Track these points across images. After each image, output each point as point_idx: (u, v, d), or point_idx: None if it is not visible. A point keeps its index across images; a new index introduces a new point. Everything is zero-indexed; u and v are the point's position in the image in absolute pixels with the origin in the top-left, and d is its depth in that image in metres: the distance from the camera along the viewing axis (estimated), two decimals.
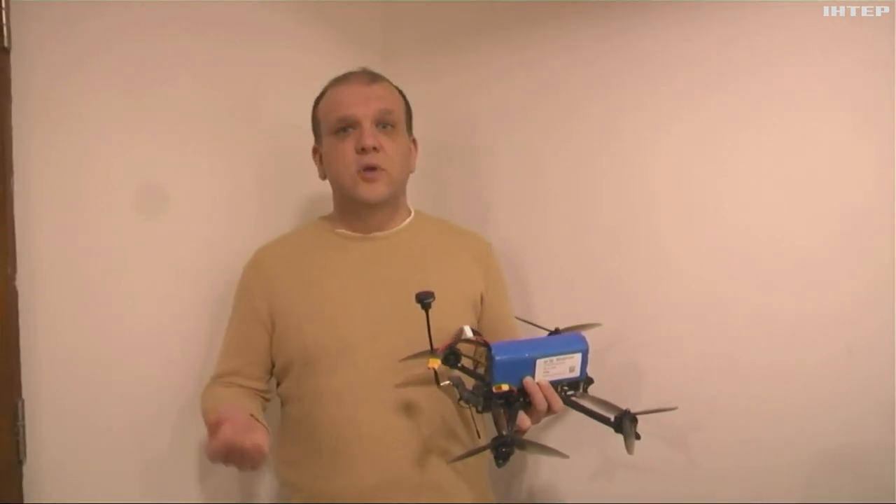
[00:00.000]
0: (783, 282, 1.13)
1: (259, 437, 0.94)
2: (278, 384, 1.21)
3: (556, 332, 1.09)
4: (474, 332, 0.99)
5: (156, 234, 1.25)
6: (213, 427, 0.93)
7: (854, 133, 1.06)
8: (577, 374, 0.95)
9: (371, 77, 1.18)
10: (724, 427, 1.18)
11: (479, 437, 1.15)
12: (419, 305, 0.95)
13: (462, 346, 1.00)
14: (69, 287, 1.14)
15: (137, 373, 1.22)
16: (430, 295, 0.94)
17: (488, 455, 0.91)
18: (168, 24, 1.25)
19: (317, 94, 1.21)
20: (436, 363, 0.96)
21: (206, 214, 1.32)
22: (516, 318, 1.24)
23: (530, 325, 1.19)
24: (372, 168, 1.12)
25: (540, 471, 0.89)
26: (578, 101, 1.34)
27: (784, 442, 1.13)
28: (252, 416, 1.02)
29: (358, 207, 1.17)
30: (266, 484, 1.42)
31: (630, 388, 1.25)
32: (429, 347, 1.00)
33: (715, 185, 1.19)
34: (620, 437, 0.94)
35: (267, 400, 1.20)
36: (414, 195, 1.26)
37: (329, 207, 1.25)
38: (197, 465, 1.31)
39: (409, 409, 1.11)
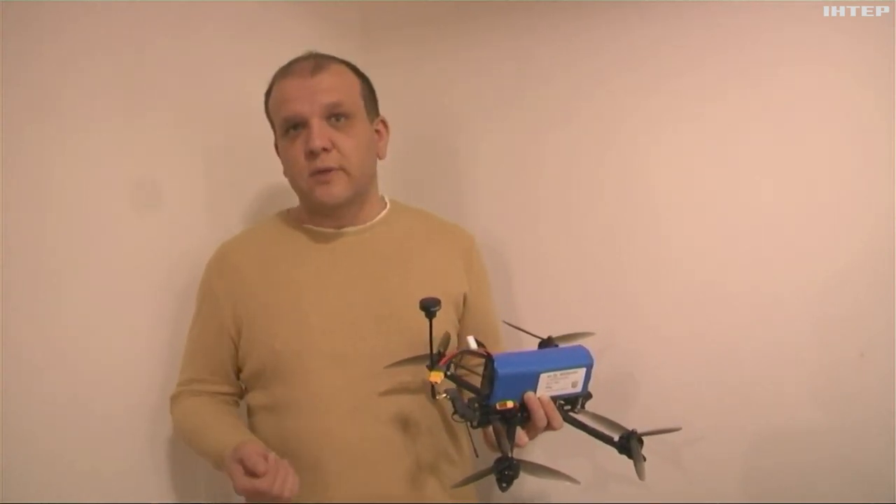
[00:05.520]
0: (788, 284, 1.12)
1: (292, 481, 0.92)
2: (246, 391, 1.12)
3: (549, 340, 1.01)
4: (478, 343, 0.92)
5: (120, 232, 1.14)
6: (235, 462, 0.92)
7: (854, 132, 1.06)
8: (578, 389, 0.90)
9: (314, 64, 1.05)
10: (725, 442, 1.16)
11: (474, 449, 1.05)
12: (423, 313, 0.87)
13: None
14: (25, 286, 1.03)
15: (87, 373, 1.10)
16: (436, 303, 0.87)
17: (473, 461, 0.85)
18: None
19: None
20: (438, 377, 0.88)
21: (169, 210, 1.22)
22: (505, 322, 1.17)
23: (519, 332, 1.11)
24: (325, 170, 1.04)
25: (526, 477, 0.85)
26: (572, 95, 1.29)
27: (789, 455, 1.12)
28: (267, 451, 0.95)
29: (321, 208, 1.09)
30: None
31: (623, 398, 1.21)
32: (418, 352, 0.95)
33: (717, 184, 1.17)
34: (612, 448, 0.90)
35: (238, 401, 1.14)
36: (391, 186, 1.17)
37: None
38: (167, 466, 1.21)
39: (398, 420, 1.03)
